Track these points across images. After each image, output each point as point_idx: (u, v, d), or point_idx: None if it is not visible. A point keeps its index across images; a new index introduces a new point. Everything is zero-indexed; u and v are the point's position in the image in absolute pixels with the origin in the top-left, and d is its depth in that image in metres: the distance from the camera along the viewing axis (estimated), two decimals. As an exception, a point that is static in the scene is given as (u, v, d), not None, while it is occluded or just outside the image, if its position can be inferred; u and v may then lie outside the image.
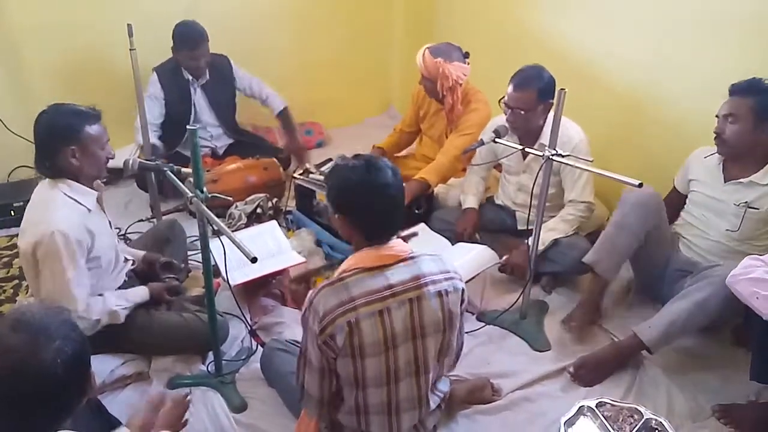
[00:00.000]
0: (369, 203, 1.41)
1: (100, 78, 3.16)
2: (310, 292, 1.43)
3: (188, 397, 1.54)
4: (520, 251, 2.38)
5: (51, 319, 1.11)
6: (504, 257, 2.41)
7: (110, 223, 1.98)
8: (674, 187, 2.27)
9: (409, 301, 1.42)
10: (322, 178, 2.77)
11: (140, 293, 1.98)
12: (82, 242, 1.75)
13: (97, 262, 1.84)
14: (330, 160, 3.01)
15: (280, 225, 2.57)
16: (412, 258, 1.46)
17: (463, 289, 1.52)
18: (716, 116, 2.01)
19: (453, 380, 1.80)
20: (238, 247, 1.36)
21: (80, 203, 1.78)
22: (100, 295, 1.86)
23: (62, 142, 1.73)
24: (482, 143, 2.24)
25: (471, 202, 2.60)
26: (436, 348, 1.49)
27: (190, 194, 1.62)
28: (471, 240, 2.49)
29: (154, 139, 3.06)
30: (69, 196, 1.77)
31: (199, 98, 3.15)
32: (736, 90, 1.96)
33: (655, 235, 2.10)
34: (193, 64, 3.00)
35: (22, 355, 1.04)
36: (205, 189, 1.63)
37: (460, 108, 2.76)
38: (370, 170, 1.40)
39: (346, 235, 1.48)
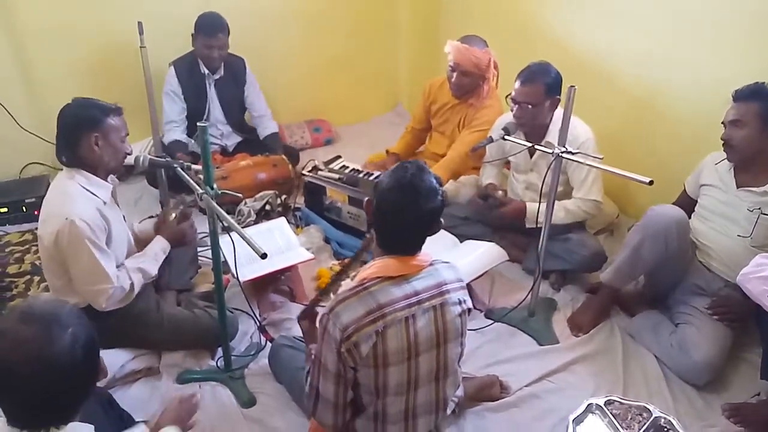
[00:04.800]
0: (390, 222, 1.41)
1: (112, 75, 3.18)
2: (332, 299, 1.41)
3: (196, 398, 1.55)
4: (516, 209, 2.38)
5: (59, 309, 1.12)
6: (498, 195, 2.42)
7: (124, 217, 2.01)
8: (685, 190, 2.26)
9: (433, 309, 1.42)
10: (330, 174, 2.79)
11: (157, 244, 2.00)
12: (102, 228, 1.79)
13: (111, 252, 1.86)
14: (339, 157, 3.02)
15: (288, 222, 2.58)
16: (432, 265, 1.47)
17: (469, 308, 1.53)
18: (722, 123, 1.99)
19: (462, 378, 1.80)
20: (248, 244, 1.37)
21: (96, 195, 1.82)
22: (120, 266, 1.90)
23: (87, 129, 1.78)
24: (491, 140, 2.24)
25: (489, 180, 2.58)
26: (457, 353, 1.51)
27: (201, 191, 1.63)
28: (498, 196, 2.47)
29: (179, 135, 3.11)
30: (86, 188, 1.80)
31: (212, 94, 3.17)
32: (740, 96, 1.95)
33: (674, 257, 2.07)
34: (206, 52, 3.00)
35: (38, 346, 1.05)
36: (215, 186, 1.64)
37: (475, 104, 2.77)
38: (411, 194, 1.36)
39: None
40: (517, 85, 2.26)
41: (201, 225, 2.56)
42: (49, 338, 1.06)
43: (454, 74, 2.73)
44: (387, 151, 3.24)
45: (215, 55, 3.00)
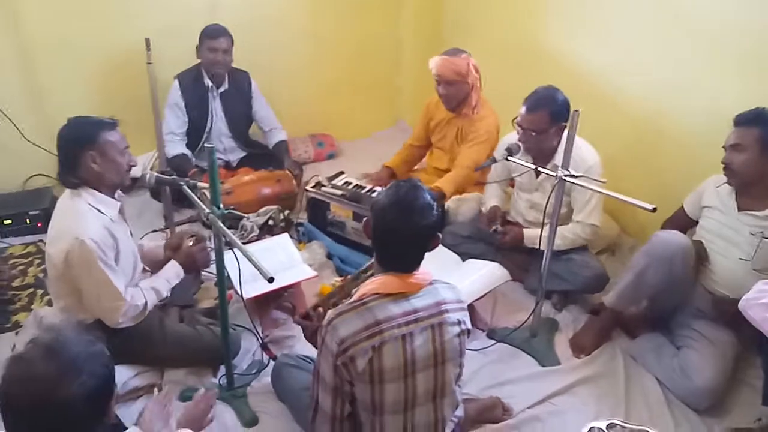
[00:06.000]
0: (387, 240, 1.43)
1: (118, 88, 3.20)
2: (330, 312, 1.43)
3: (212, 397, 1.55)
4: (514, 237, 2.42)
5: (82, 349, 1.13)
6: (499, 229, 2.44)
7: (131, 233, 2.02)
8: (683, 208, 2.27)
9: (431, 328, 1.43)
10: (334, 190, 2.81)
11: (170, 269, 2.01)
12: (111, 246, 1.81)
13: (120, 269, 1.87)
14: (342, 172, 3.03)
15: (291, 237, 2.58)
16: (432, 284, 1.47)
17: (468, 330, 1.53)
18: (723, 147, 2.02)
19: (463, 399, 1.80)
20: (256, 267, 1.38)
21: (104, 213, 1.83)
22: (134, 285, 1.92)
23: (81, 148, 1.78)
24: (494, 161, 2.26)
25: (493, 202, 2.61)
26: (455, 373, 1.51)
27: (207, 210, 1.65)
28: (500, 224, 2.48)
29: (182, 148, 3.13)
30: (93, 206, 1.81)
31: (216, 107, 3.19)
32: (741, 120, 1.98)
33: (677, 283, 2.08)
34: (210, 56, 3.01)
35: (47, 387, 1.06)
36: (221, 206, 1.65)
37: (469, 115, 2.82)
38: (407, 211, 1.38)
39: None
40: (522, 111, 2.27)
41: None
42: (58, 382, 1.07)
43: (440, 87, 2.80)
44: (383, 166, 3.26)
45: (219, 58, 3.02)
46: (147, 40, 2.53)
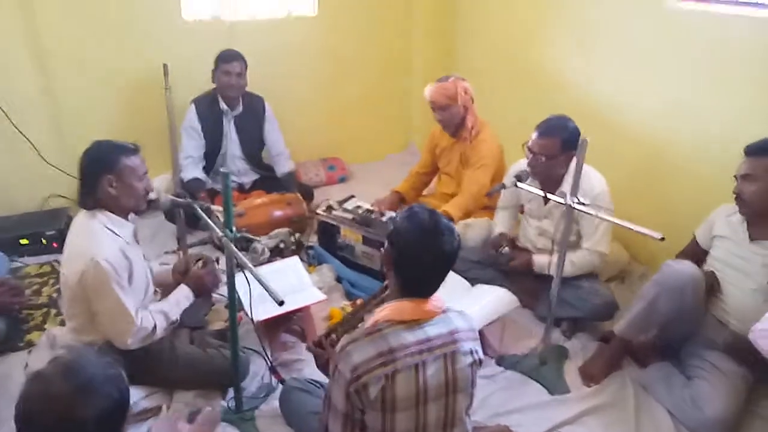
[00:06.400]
0: (412, 265, 1.42)
1: (136, 112, 3.28)
2: (343, 338, 1.43)
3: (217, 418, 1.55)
4: (524, 262, 2.46)
5: (100, 370, 1.15)
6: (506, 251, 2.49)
7: (144, 255, 2.05)
8: (695, 239, 2.27)
9: (444, 357, 1.42)
10: (344, 214, 2.84)
11: (181, 292, 2.04)
12: (125, 268, 1.84)
13: (132, 291, 1.90)
14: (352, 196, 3.07)
15: (301, 260, 2.61)
16: (445, 312, 1.48)
17: (480, 359, 1.53)
18: (734, 177, 2.02)
19: (473, 427, 1.79)
20: (267, 290, 1.40)
21: (118, 235, 1.86)
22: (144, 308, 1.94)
23: (100, 171, 1.83)
24: (503, 187, 2.28)
25: (500, 229, 2.63)
26: (467, 403, 1.50)
27: (221, 234, 1.68)
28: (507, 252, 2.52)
29: (198, 172, 3.20)
30: (108, 228, 1.85)
31: (230, 129, 3.25)
32: (751, 151, 1.98)
33: (688, 312, 2.07)
34: (224, 79, 3.09)
35: (63, 405, 1.08)
36: (234, 229, 1.68)
37: (469, 138, 2.88)
38: (432, 235, 1.39)
39: (387, 270, 1.50)
40: (534, 135, 2.30)
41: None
42: (73, 404, 1.09)
43: (436, 113, 2.89)
44: (392, 191, 3.29)
45: (233, 82, 3.10)
46: (165, 66, 2.59)
